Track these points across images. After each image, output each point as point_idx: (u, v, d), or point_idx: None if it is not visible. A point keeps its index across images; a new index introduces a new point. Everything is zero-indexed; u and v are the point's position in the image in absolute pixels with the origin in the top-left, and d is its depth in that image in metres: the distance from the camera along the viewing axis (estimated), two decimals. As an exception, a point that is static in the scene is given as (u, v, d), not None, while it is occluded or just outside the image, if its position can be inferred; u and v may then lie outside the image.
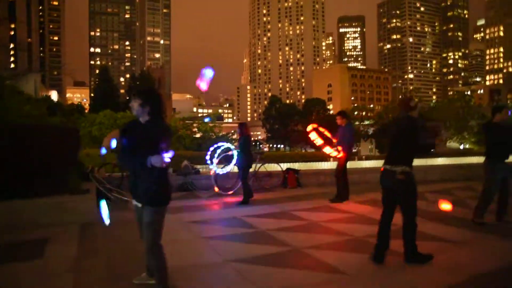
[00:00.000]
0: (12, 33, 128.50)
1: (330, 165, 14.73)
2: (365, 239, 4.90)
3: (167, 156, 3.01)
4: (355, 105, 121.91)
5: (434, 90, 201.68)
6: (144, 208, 3.16)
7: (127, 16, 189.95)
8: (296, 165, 11.25)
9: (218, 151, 8.57)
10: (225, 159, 8.67)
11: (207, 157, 8.65)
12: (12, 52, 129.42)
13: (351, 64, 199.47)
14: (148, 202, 3.17)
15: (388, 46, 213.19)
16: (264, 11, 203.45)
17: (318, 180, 10.14)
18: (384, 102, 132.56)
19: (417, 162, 13.21)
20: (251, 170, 9.85)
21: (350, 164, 15.10)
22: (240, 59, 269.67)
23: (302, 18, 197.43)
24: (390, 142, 4.31)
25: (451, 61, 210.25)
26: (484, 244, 4.88)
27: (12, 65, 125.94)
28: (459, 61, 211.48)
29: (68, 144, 6.90)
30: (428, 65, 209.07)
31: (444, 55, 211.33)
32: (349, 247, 4.72)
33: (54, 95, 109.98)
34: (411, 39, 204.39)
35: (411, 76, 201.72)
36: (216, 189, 8.74)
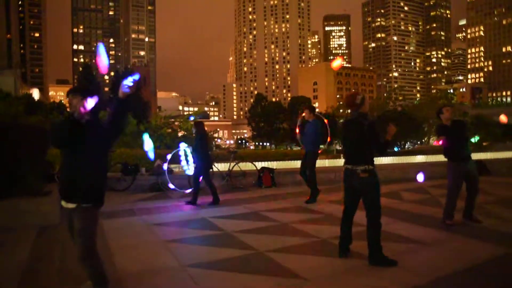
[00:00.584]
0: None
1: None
2: (331, 240, 4.75)
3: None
4: (341, 103, 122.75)
5: (418, 88, 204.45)
6: (78, 210, 2.91)
7: (111, 13, 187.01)
8: (274, 164, 11.10)
9: (182, 153, 8.44)
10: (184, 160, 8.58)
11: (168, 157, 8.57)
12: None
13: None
14: (90, 200, 2.92)
15: (373, 44, 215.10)
16: (250, 9, 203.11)
17: (294, 179, 9.98)
18: (369, 100, 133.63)
19: (396, 160, 13.22)
20: (226, 169, 9.69)
21: (330, 163, 15.04)
22: (226, 57, 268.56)
23: (287, 16, 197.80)
24: (348, 141, 4.19)
25: (434, 60, 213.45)
26: (452, 244, 4.78)
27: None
28: (442, 60, 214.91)
29: (29, 144, 6.59)
30: (412, 63, 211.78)
31: (428, 54, 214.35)
32: (314, 250, 4.57)
33: (35, 93, 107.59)
34: (395, 38, 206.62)
35: (395, 74, 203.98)
36: (171, 185, 8.69)
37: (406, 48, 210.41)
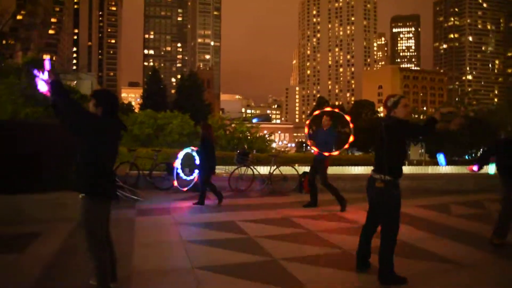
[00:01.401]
0: (75, 37, 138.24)
1: (362, 170, 14.07)
2: (353, 252, 4.47)
3: None
4: (414, 107, 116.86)
5: (496, 92, 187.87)
6: (81, 200, 3.08)
7: (179, 19, 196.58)
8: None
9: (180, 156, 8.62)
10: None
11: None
12: (74, 55, 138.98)
13: (404, 65, 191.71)
14: (83, 191, 3.09)
15: (445, 46, 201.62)
16: (314, 12, 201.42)
17: (337, 185, 9.60)
18: (438, 105, 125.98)
19: (455, 169, 12.16)
20: (265, 172, 9.63)
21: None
22: (289, 60, 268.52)
23: (353, 19, 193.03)
24: (375, 146, 3.95)
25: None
26: (491, 268, 4.25)
27: (74, 67, 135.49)
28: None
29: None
30: (490, 65, 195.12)
31: (510, 54, 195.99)
32: (332, 261, 4.33)
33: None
34: (470, 38, 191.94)
35: (469, 77, 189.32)
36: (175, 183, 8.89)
37: (483, 48, 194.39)
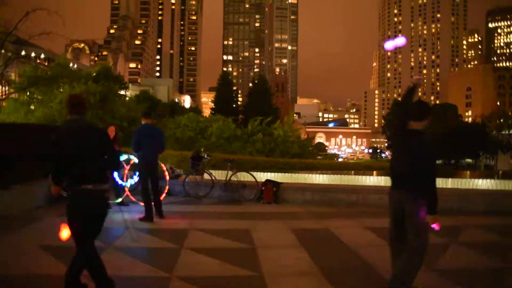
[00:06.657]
0: (159, 46, 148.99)
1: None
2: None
3: None
4: (503, 110, 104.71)
5: None
6: None
7: (257, 24, 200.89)
8: (317, 176, 9.90)
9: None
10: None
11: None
12: (158, 63, 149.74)
13: (503, 64, 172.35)
14: None
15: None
16: (395, 11, 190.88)
17: (304, 196, 8.62)
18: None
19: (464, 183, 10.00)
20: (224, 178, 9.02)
21: (385, 182, 12.71)
22: (369, 62, 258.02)
23: (438, 15, 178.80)
24: None
25: None
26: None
27: (157, 74, 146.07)
28: None
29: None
30: None
31: None
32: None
33: (187, 99, 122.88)
34: None
35: None
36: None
37: None
